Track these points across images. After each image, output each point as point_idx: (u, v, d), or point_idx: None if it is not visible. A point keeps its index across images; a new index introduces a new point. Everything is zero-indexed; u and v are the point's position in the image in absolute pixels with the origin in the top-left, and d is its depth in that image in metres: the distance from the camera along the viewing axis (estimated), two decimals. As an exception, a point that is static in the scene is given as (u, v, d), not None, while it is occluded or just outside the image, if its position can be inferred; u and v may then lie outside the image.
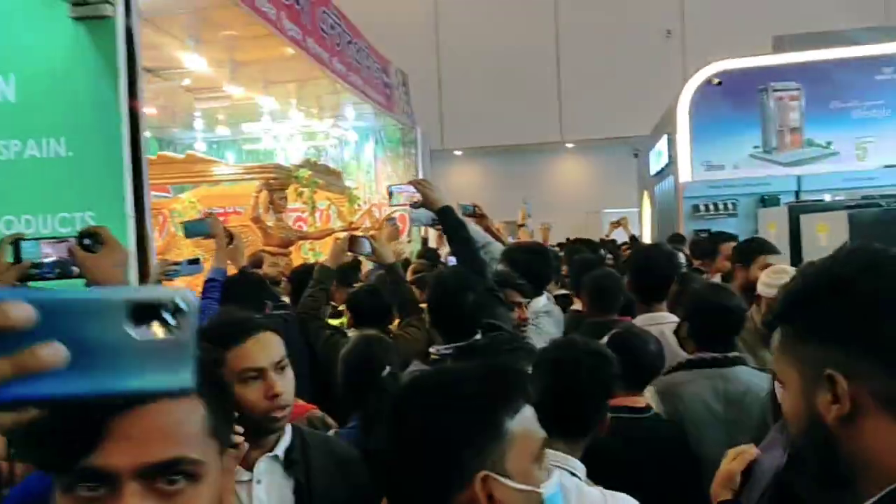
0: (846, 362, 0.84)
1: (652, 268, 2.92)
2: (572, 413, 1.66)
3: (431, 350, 2.48)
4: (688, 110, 9.45)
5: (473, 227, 3.66)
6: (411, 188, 3.04)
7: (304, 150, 9.51)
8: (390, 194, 3.14)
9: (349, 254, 3.54)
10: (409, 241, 8.90)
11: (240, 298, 3.31)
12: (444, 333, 2.48)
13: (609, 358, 1.82)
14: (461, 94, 16.67)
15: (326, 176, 6.67)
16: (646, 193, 13.22)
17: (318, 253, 6.46)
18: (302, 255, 6.73)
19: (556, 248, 6.49)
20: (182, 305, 0.51)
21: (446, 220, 2.91)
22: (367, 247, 3.33)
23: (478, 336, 2.45)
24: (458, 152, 17.97)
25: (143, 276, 3.46)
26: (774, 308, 0.98)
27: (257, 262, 5.31)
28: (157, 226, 7.05)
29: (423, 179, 3.14)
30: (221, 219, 8.07)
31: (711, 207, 8.90)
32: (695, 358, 2.37)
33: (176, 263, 3.43)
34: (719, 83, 9.23)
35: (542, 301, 3.30)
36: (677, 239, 7.82)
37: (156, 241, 6.73)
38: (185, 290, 0.52)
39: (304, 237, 5.95)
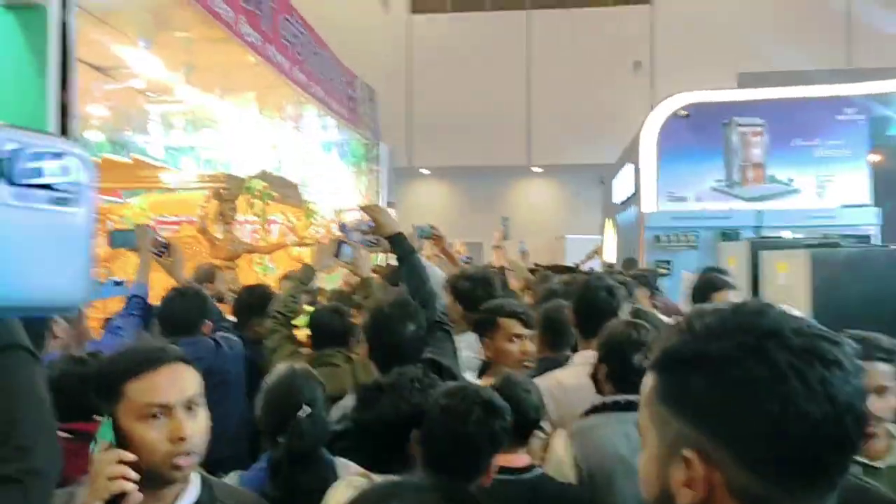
0: (706, 444, 0.74)
1: (592, 300, 2.72)
2: (457, 462, 1.63)
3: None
4: (654, 140, 9.46)
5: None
6: (359, 214, 2.98)
7: (264, 162, 9.25)
8: (342, 228, 3.17)
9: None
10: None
11: (178, 316, 3.10)
12: (380, 367, 2.30)
13: (499, 409, 1.69)
14: (431, 112, 16.61)
15: (282, 188, 6.45)
16: (609, 221, 13.23)
17: (268, 267, 6.23)
18: (256, 270, 6.48)
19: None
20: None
21: (397, 247, 2.77)
22: (346, 253, 3.29)
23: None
24: (425, 171, 17.87)
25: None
26: (650, 351, 0.86)
27: (208, 275, 5.03)
28: (104, 232, 6.72)
29: (374, 204, 3.08)
30: (175, 227, 7.82)
31: (673, 238, 8.87)
32: (609, 401, 2.19)
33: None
34: (686, 115, 9.26)
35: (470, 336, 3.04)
36: (630, 264, 7.74)
37: (98, 247, 6.44)
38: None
39: (254, 250, 5.71)
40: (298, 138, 8.80)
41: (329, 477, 1.87)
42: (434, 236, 3.94)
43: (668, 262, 8.71)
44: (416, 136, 16.93)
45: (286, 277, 4.72)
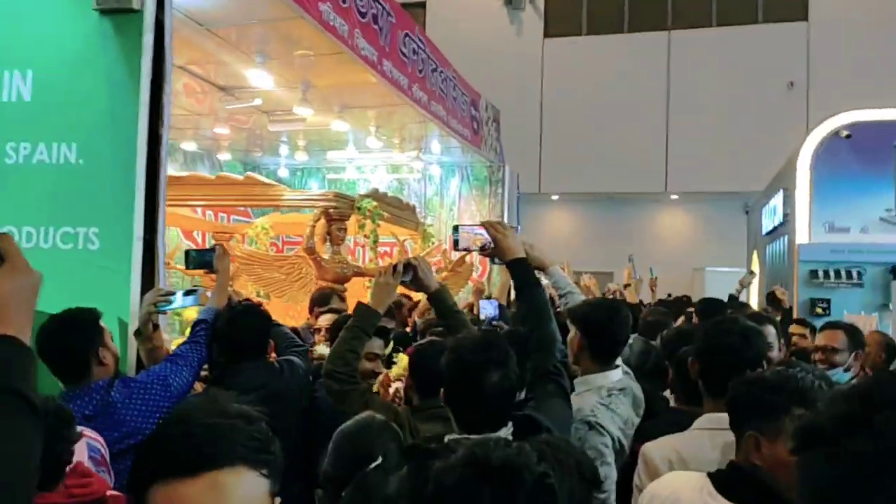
0: None
1: (725, 351, 2.12)
2: None
3: (446, 439, 1.87)
4: (809, 164, 8.48)
5: (560, 274, 2.96)
6: (481, 230, 2.51)
7: (387, 183, 9.15)
8: (455, 234, 2.57)
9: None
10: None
11: (242, 337, 2.84)
12: (458, 420, 1.87)
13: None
14: (563, 137, 16.07)
15: (397, 209, 6.19)
16: (756, 253, 12.10)
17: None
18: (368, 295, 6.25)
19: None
20: None
21: (517, 274, 2.36)
22: (407, 273, 2.65)
23: (503, 430, 1.83)
24: (554, 197, 17.30)
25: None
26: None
27: (324, 297, 4.81)
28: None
29: (499, 221, 2.57)
30: (293, 248, 7.79)
31: (832, 274, 7.83)
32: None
33: (170, 293, 2.99)
34: (848, 136, 8.21)
35: (615, 375, 2.57)
36: (771, 300, 6.82)
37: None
38: None
39: (363, 273, 5.46)
40: (420, 160, 8.60)
41: None
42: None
43: (825, 301, 7.68)
44: (546, 161, 16.44)
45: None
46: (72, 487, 1.69)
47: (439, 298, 2.62)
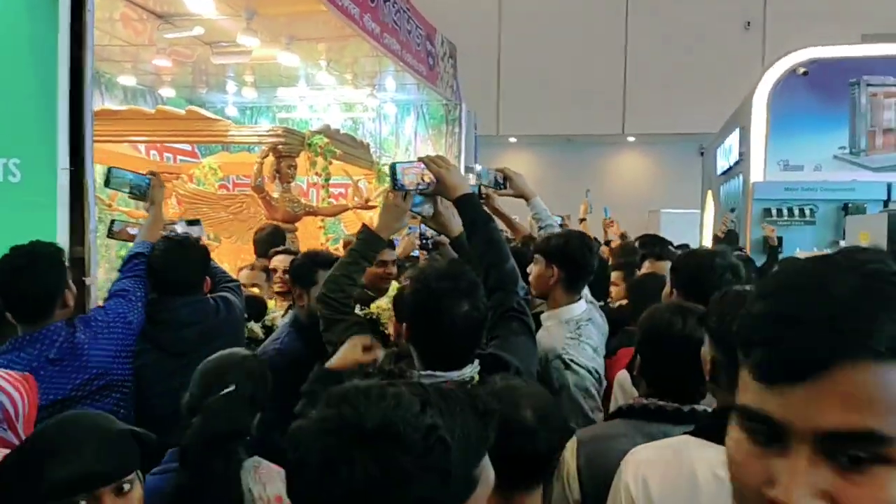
0: None
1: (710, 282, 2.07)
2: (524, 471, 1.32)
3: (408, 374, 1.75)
4: (766, 102, 8.46)
5: (541, 206, 2.92)
6: (421, 166, 2.24)
7: (340, 122, 8.86)
8: (394, 173, 2.23)
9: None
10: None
11: (178, 272, 2.65)
12: (421, 358, 1.74)
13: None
14: (520, 79, 15.80)
15: (350, 147, 5.96)
16: (710, 193, 12.19)
17: (331, 230, 5.80)
18: (322, 234, 6.05)
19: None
20: None
21: (468, 211, 2.18)
22: (422, 206, 2.36)
23: (468, 368, 1.71)
24: (512, 139, 17.12)
25: (78, 242, 2.82)
26: None
27: (276, 235, 4.59)
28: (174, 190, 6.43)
29: (439, 156, 2.28)
30: (245, 190, 7.52)
31: (786, 212, 7.91)
32: (636, 405, 1.72)
33: (172, 223, 2.80)
34: (805, 73, 8.19)
35: (580, 306, 2.56)
36: (732, 238, 6.84)
37: (173, 207, 6.17)
38: None
39: (314, 212, 5.27)
40: (374, 98, 8.32)
41: (237, 474, 1.69)
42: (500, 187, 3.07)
43: (779, 239, 7.75)
44: (504, 103, 16.18)
45: (347, 246, 4.13)
46: None
47: (465, 205, 2.21)
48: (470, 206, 2.18)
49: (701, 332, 1.59)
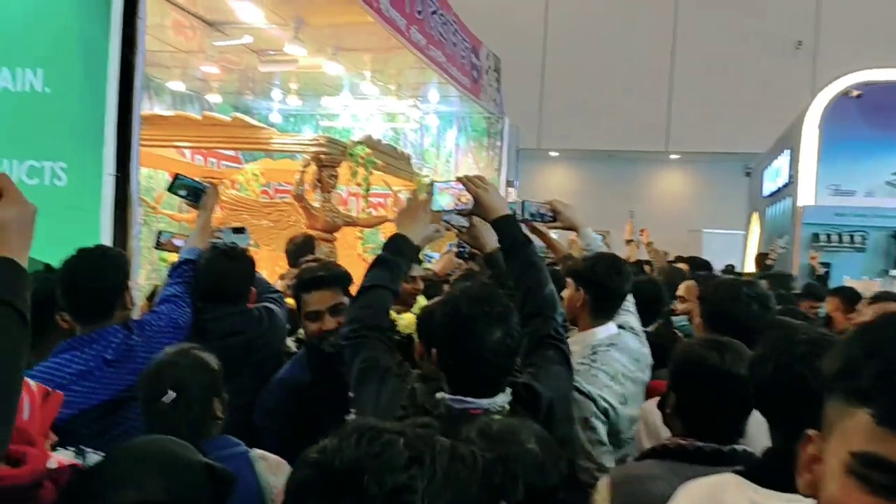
0: None
1: (734, 314, 2.09)
2: None
3: (438, 396, 1.69)
4: (817, 124, 8.24)
5: (592, 236, 2.79)
6: (459, 186, 2.18)
7: (383, 132, 8.89)
8: (435, 192, 2.21)
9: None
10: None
11: (224, 282, 2.65)
12: (450, 383, 1.67)
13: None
14: (564, 93, 15.68)
15: (391, 158, 5.96)
16: (755, 216, 11.92)
17: (370, 240, 5.77)
18: (360, 245, 6.04)
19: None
20: None
21: (506, 233, 2.10)
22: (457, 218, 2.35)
23: (501, 397, 1.65)
24: (553, 153, 17.01)
25: (121, 246, 2.84)
26: None
27: (306, 245, 4.59)
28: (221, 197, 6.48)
29: (477, 176, 2.23)
30: (285, 196, 7.57)
31: (835, 238, 7.66)
32: (671, 444, 1.64)
33: (217, 230, 2.83)
34: (859, 95, 7.96)
35: (605, 330, 2.42)
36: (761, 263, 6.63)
37: (217, 213, 6.24)
38: None
39: (354, 223, 5.27)
40: (417, 109, 8.33)
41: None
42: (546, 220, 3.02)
43: (826, 265, 7.53)
44: (546, 116, 16.08)
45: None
46: (9, 462, 1.48)
47: (503, 227, 2.12)
48: (508, 227, 2.11)
49: (738, 367, 1.56)
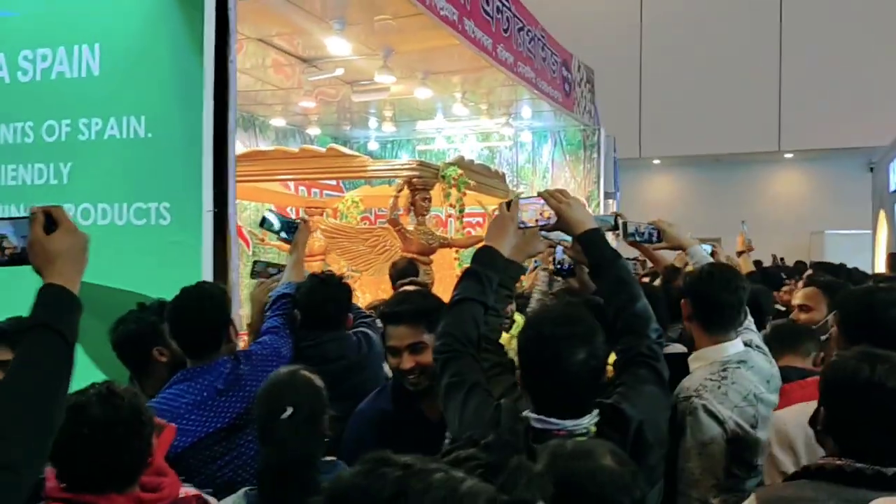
0: None
1: (877, 322, 1.97)
2: None
3: (522, 415, 1.65)
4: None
5: (701, 254, 2.73)
6: (541, 201, 2.13)
7: (477, 152, 8.92)
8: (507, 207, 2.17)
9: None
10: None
11: (322, 308, 2.78)
12: (536, 405, 1.64)
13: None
14: (664, 97, 15.14)
15: (484, 177, 5.95)
16: (883, 213, 11.07)
17: (466, 261, 5.78)
18: (457, 265, 6.05)
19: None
20: None
21: (592, 249, 2.03)
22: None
23: (587, 418, 1.59)
24: (655, 161, 16.49)
25: (221, 279, 2.97)
26: None
27: (409, 269, 4.66)
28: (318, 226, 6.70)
29: (559, 190, 2.17)
30: (385, 221, 7.73)
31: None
32: (828, 465, 1.53)
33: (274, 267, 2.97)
34: None
35: (733, 347, 2.28)
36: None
37: (319, 240, 6.46)
38: None
39: (449, 244, 5.29)
40: (510, 126, 8.31)
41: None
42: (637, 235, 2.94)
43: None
44: (646, 123, 15.60)
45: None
46: (143, 490, 1.57)
47: (589, 243, 2.07)
48: (594, 243, 2.03)
49: (894, 380, 1.49)
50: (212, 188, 2.89)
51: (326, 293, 2.79)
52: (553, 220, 2.10)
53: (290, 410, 1.76)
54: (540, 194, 2.16)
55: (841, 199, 14.98)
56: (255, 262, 3.44)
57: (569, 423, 1.56)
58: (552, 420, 1.57)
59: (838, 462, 1.51)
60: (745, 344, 2.33)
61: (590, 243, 2.04)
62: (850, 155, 14.67)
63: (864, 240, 12.36)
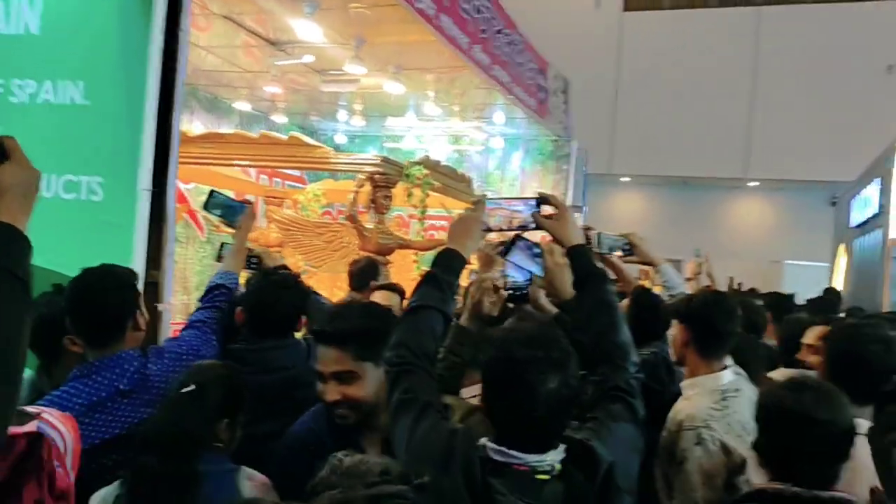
0: None
1: (859, 357, 2.07)
2: None
3: (480, 443, 1.46)
4: (914, 151, 7.65)
5: (671, 273, 2.79)
6: (520, 206, 1.95)
7: (447, 154, 8.76)
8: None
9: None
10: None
11: (273, 312, 2.46)
12: (499, 434, 1.45)
13: None
14: (637, 116, 15.23)
15: (450, 180, 5.79)
16: (842, 247, 11.21)
17: (426, 264, 5.60)
18: (416, 268, 5.86)
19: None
20: None
21: (581, 265, 1.86)
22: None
23: (551, 454, 1.41)
24: (624, 178, 16.54)
25: (155, 266, 2.75)
26: None
27: (370, 269, 4.42)
28: (273, 218, 6.45)
29: (552, 195, 1.99)
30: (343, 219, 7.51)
31: (932, 274, 7.05)
32: (770, 489, 1.64)
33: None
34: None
35: (726, 376, 2.36)
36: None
37: (276, 232, 6.21)
38: None
39: (407, 246, 5.10)
40: (482, 131, 8.17)
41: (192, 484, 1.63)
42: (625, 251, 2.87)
43: (922, 304, 6.94)
44: (618, 140, 15.65)
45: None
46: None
47: (578, 256, 1.90)
48: (584, 258, 1.86)
49: (819, 409, 1.58)
50: (151, 165, 2.67)
51: (278, 296, 2.46)
52: (531, 226, 1.92)
53: (193, 387, 1.73)
54: (541, 195, 1.96)
55: (801, 230, 15.21)
56: (222, 245, 3.16)
57: (531, 458, 1.38)
58: (513, 453, 1.39)
59: (778, 486, 1.60)
60: (738, 373, 2.40)
61: (580, 258, 1.86)
62: (813, 188, 14.90)
63: (822, 272, 12.51)
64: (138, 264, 2.63)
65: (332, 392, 1.77)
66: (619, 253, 2.90)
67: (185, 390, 1.74)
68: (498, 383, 1.45)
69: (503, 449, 1.40)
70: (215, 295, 2.52)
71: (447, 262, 1.78)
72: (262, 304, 2.46)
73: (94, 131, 2.71)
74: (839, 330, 2.31)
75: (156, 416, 1.75)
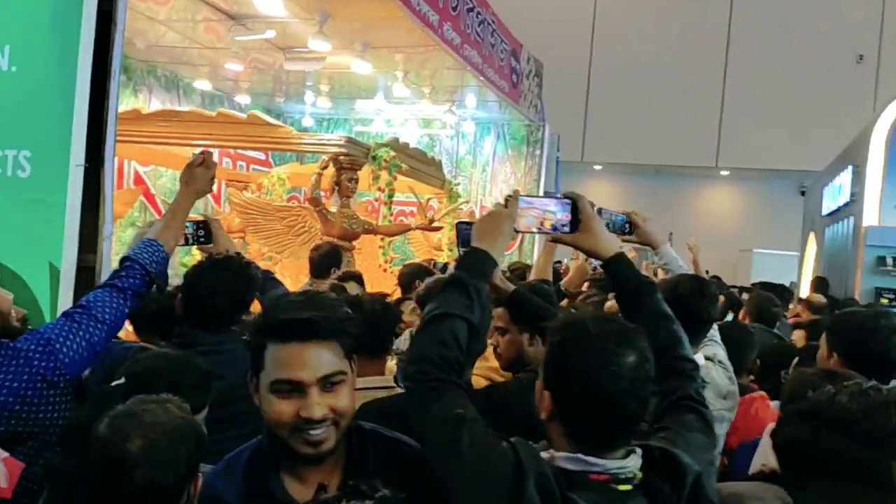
0: None
1: (871, 346, 2.04)
2: None
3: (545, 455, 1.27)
4: (885, 139, 7.61)
5: (671, 255, 2.67)
6: (554, 206, 1.67)
7: (417, 138, 8.54)
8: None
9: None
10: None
11: (212, 302, 2.16)
12: (571, 431, 1.28)
13: None
14: (610, 103, 15.14)
15: (419, 163, 5.58)
16: (813, 236, 11.23)
17: (397, 250, 5.41)
18: (381, 255, 5.65)
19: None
20: None
21: (630, 276, 1.65)
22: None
23: (632, 458, 1.27)
24: (597, 166, 16.47)
25: (89, 249, 2.51)
26: None
27: (332, 256, 4.19)
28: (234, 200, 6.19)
29: (580, 198, 1.72)
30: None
31: (903, 262, 7.04)
32: (766, 469, 1.66)
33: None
34: (933, 109, 7.32)
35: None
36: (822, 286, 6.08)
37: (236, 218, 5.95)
38: None
39: (373, 231, 4.89)
40: (453, 114, 7.96)
41: None
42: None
43: (893, 291, 6.91)
44: (591, 127, 15.56)
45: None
46: None
47: (617, 268, 1.67)
48: (631, 268, 1.66)
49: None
50: (84, 139, 2.42)
51: (218, 279, 2.15)
52: (565, 229, 1.66)
53: (122, 380, 1.60)
54: (567, 195, 1.69)
55: (771, 219, 15.28)
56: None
57: (612, 465, 1.21)
58: (591, 459, 1.21)
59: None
60: (708, 358, 2.34)
61: (625, 265, 1.65)
62: (783, 177, 14.96)
63: (791, 261, 12.56)
64: (70, 247, 2.40)
65: (318, 406, 1.28)
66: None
67: (114, 384, 1.58)
68: (574, 365, 1.25)
69: (578, 456, 1.22)
70: (119, 270, 1.98)
71: (474, 264, 1.55)
72: (197, 290, 2.17)
73: (22, 100, 2.45)
74: (846, 318, 2.27)
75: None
